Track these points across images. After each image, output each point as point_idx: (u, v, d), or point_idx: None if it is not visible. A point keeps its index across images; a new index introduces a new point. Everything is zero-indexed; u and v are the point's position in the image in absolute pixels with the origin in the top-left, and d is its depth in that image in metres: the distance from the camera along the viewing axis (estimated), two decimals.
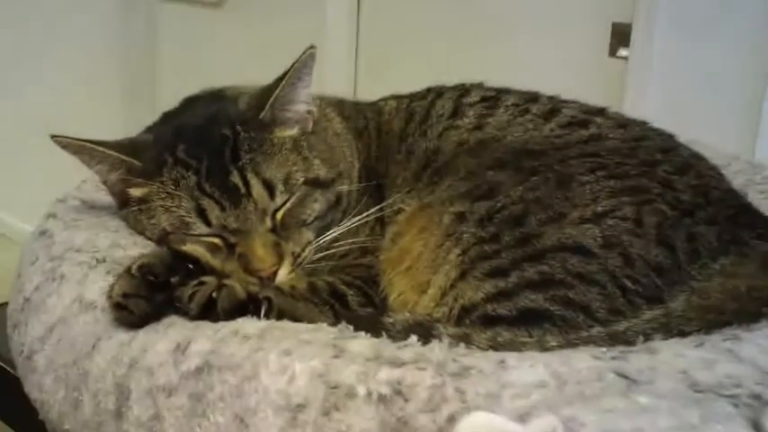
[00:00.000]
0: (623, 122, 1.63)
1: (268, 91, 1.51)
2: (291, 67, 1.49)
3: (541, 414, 0.93)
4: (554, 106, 1.67)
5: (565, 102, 1.70)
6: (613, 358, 1.05)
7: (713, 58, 2.40)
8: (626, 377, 1.01)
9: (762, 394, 0.98)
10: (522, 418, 0.93)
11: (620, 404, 0.96)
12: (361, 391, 1.03)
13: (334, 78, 3.33)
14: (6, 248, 4.38)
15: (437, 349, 1.09)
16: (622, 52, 2.61)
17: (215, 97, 1.64)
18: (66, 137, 1.46)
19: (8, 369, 2.17)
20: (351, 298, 1.46)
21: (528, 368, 1.03)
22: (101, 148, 1.48)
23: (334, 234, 1.55)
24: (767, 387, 0.99)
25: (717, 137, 2.25)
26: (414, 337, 1.14)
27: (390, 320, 1.27)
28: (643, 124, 1.66)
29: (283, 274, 1.45)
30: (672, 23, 2.43)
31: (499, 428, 0.90)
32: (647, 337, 1.15)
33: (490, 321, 1.29)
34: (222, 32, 3.78)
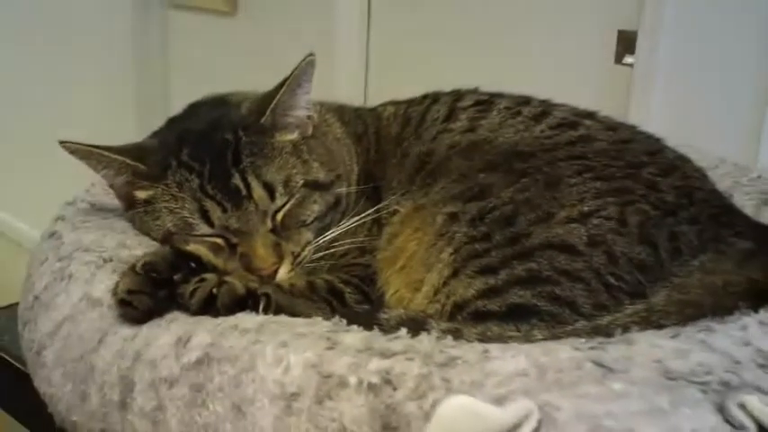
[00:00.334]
0: (612, 125, 1.67)
1: (269, 97, 1.56)
2: (291, 74, 1.54)
3: (519, 399, 0.98)
4: (545, 109, 1.71)
5: (556, 105, 1.74)
6: (592, 348, 1.10)
7: (718, 65, 2.43)
8: (603, 366, 1.05)
9: (730, 381, 1.03)
10: (501, 402, 0.98)
11: (595, 390, 1.01)
12: (353, 380, 1.08)
13: (344, 85, 3.38)
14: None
15: (425, 341, 1.14)
16: (628, 59, 2.64)
17: (218, 103, 1.69)
18: (74, 142, 1.51)
19: (18, 365, 2.22)
20: (348, 296, 1.51)
21: (510, 358, 1.08)
22: (107, 153, 1.53)
23: (333, 234, 1.59)
24: (735, 374, 1.05)
25: (721, 143, 2.30)
26: (403, 330, 1.19)
27: (385, 316, 1.32)
28: (632, 128, 1.70)
29: (283, 273, 1.50)
30: (677, 31, 2.46)
31: (477, 411, 0.95)
32: (627, 330, 1.19)
33: (481, 317, 1.33)
34: (234, 40, 3.83)
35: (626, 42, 2.65)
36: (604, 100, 2.59)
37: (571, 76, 2.81)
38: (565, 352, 1.10)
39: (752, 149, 2.35)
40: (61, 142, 1.50)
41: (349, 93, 3.25)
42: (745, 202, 1.72)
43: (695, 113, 2.50)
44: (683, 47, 2.47)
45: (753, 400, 0.98)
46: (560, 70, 2.84)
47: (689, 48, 2.47)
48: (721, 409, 0.99)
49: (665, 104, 2.52)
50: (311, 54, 1.54)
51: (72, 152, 1.52)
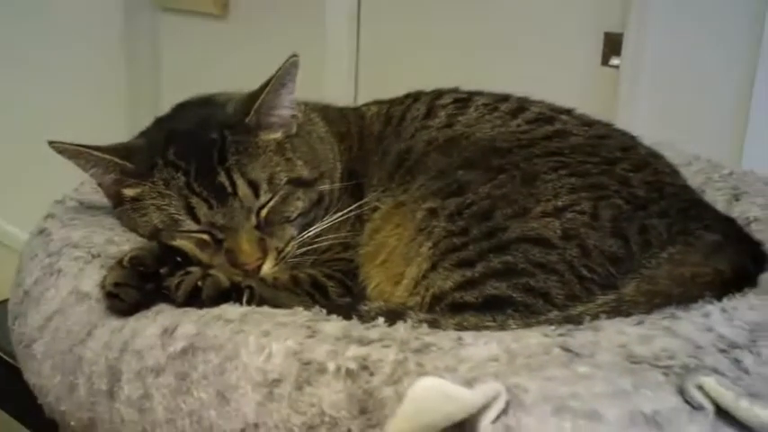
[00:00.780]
0: (588, 121, 1.72)
1: (253, 97, 1.60)
2: (275, 74, 1.58)
3: (488, 381, 1.02)
4: (522, 104, 1.76)
5: (534, 101, 1.79)
6: (560, 335, 1.15)
7: (703, 67, 2.47)
8: (570, 351, 1.10)
9: (691, 365, 1.08)
10: (471, 384, 1.02)
11: (562, 373, 1.05)
12: (331, 366, 1.12)
13: (334, 86, 3.41)
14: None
15: (402, 329, 1.19)
16: (614, 61, 2.67)
17: (204, 103, 1.73)
18: (63, 142, 1.54)
19: (8, 359, 2.27)
20: (331, 289, 1.55)
21: (483, 345, 1.12)
22: (95, 152, 1.56)
23: (317, 230, 1.63)
24: (697, 358, 1.09)
25: (706, 143, 2.34)
26: (381, 319, 1.23)
27: (365, 308, 1.36)
28: (608, 125, 1.75)
29: (267, 268, 1.54)
30: (662, 33, 2.50)
31: (447, 392, 0.98)
32: (597, 319, 1.24)
33: (458, 308, 1.38)
34: (225, 43, 3.85)
35: (612, 44, 2.68)
36: (591, 101, 2.62)
37: (558, 78, 2.84)
38: (534, 338, 1.14)
39: (736, 150, 2.39)
40: (50, 142, 1.53)
41: (339, 94, 3.28)
42: (717, 198, 1.77)
43: (680, 115, 2.53)
44: (669, 49, 2.51)
45: (710, 382, 1.02)
46: (548, 72, 2.87)
47: (674, 50, 2.50)
48: (682, 391, 1.03)
49: (651, 106, 2.56)
50: (294, 55, 1.58)
51: (61, 152, 1.55)
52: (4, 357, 2.31)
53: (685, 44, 2.48)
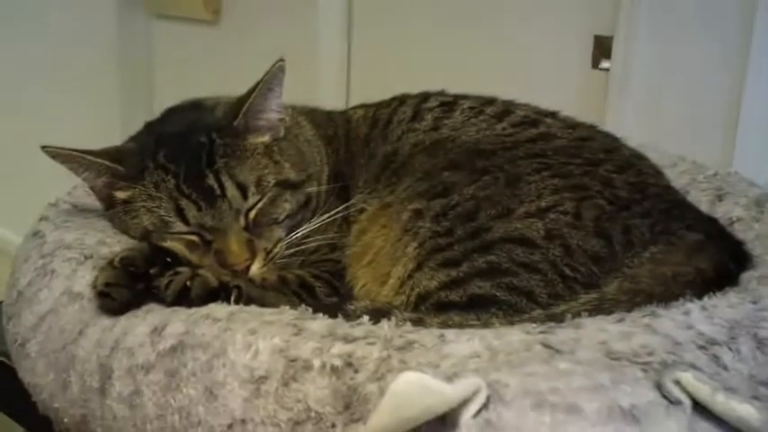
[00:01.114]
0: (572, 124, 1.75)
1: (241, 101, 1.63)
2: (262, 78, 1.60)
3: (468, 376, 1.04)
4: (507, 108, 1.79)
5: (519, 105, 1.81)
6: (542, 332, 1.17)
7: (692, 70, 2.48)
8: (551, 347, 1.12)
9: (670, 361, 1.10)
10: (452, 379, 1.04)
11: (542, 369, 1.07)
12: (317, 363, 1.15)
13: (327, 91, 3.42)
14: None
15: (386, 327, 1.21)
16: (604, 64, 2.69)
17: (193, 107, 1.76)
18: (56, 147, 1.57)
19: (2, 359, 2.28)
20: (318, 289, 1.58)
21: (465, 342, 1.15)
22: (87, 156, 1.59)
23: (304, 231, 1.66)
24: (676, 355, 1.11)
25: (696, 145, 2.36)
26: (366, 317, 1.26)
27: (352, 307, 1.39)
28: (591, 127, 1.78)
29: (256, 269, 1.56)
30: (652, 36, 2.51)
31: (428, 386, 1.00)
32: (578, 317, 1.26)
33: (443, 307, 1.40)
34: (217, 49, 3.86)
35: (602, 47, 2.70)
36: (582, 103, 2.65)
37: (549, 81, 2.86)
38: (516, 335, 1.17)
39: (726, 152, 2.41)
40: (43, 147, 1.56)
41: (331, 98, 3.29)
42: (701, 198, 1.80)
43: (670, 117, 2.55)
44: (658, 52, 2.53)
45: (687, 376, 1.04)
46: (538, 75, 2.89)
47: (663, 53, 2.52)
48: (659, 386, 1.05)
49: (641, 108, 2.57)
50: (281, 59, 1.60)
51: (53, 156, 1.58)
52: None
53: (675, 47, 2.50)
